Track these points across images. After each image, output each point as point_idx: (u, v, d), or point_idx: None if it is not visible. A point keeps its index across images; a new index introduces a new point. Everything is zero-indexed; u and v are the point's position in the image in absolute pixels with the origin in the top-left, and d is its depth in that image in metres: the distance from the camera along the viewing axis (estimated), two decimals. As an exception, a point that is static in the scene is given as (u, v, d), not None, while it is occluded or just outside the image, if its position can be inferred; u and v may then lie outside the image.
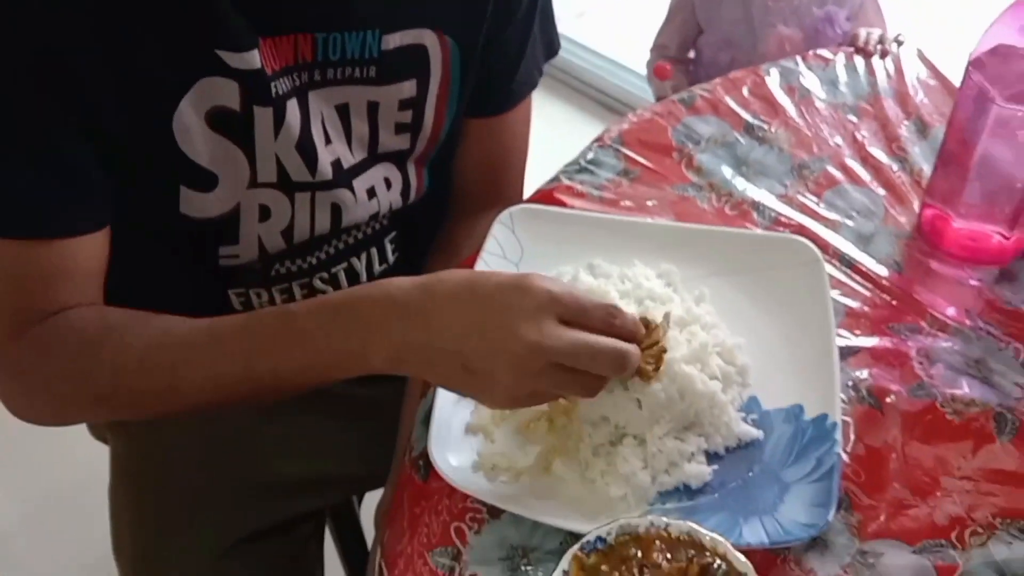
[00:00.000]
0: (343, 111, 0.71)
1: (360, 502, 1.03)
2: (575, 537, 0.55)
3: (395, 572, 0.58)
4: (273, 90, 0.66)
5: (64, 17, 0.58)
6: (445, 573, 0.57)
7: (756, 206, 0.80)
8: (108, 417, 0.80)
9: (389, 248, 0.82)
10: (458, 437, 0.63)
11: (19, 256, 0.63)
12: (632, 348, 0.57)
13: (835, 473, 0.58)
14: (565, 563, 0.53)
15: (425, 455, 0.63)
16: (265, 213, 0.72)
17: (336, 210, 0.75)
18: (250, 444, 0.81)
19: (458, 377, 0.58)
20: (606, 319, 0.57)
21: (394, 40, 0.69)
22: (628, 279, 0.68)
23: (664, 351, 0.60)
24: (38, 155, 0.62)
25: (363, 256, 0.80)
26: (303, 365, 0.61)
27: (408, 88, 0.72)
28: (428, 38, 0.71)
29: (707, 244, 0.74)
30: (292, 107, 0.67)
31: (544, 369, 0.56)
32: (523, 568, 0.57)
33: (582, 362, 0.56)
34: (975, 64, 0.67)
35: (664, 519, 0.55)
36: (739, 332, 0.67)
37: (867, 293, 0.73)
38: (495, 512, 0.60)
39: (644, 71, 1.51)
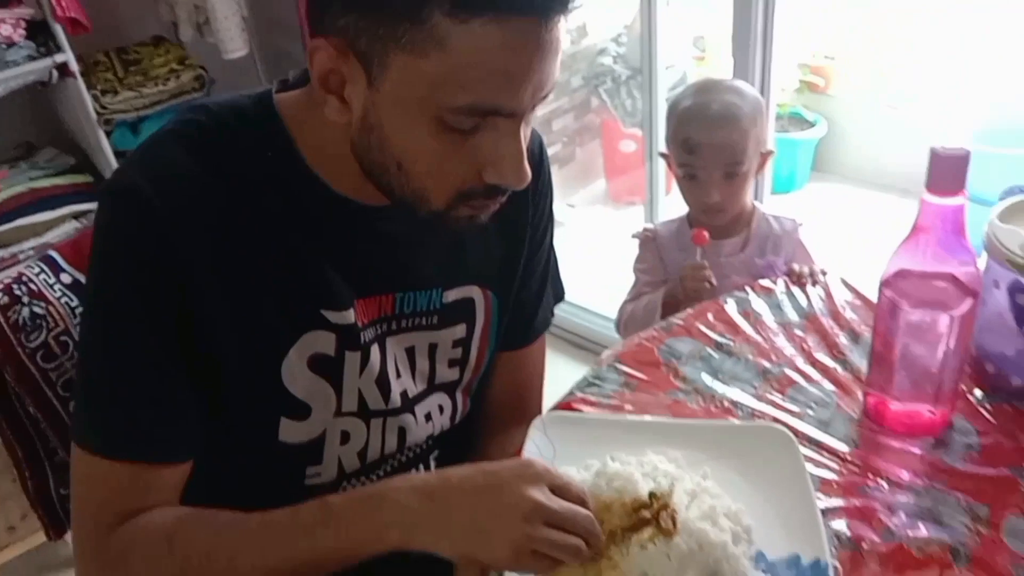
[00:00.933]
0: (411, 352, 0.89)
1: None
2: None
3: None
4: (362, 338, 0.84)
5: (199, 267, 0.74)
6: None
7: (735, 404, 0.99)
8: None
9: (433, 465, 0.97)
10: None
11: (127, 473, 0.76)
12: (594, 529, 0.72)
13: (835, 602, 0.73)
14: None
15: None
16: (346, 438, 0.87)
17: (402, 432, 0.91)
18: None
19: (467, 537, 0.69)
20: (580, 496, 0.73)
21: (451, 295, 0.89)
22: (645, 464, 0.85)
23: (675, 512, 0.77)
24: (157, 390, 0.76)
25: (412, 471, 0.95)
26: (335, 546, 0.72)
27: (460, 331, 0.92)
28: (475, 292, 0.92)
29: (703, 435, 0.91)
30: (375, 351, 0.85)
31: (542, 527, 0.69)
32: None
33: (569, 521, 0.70)
34: (885, 284, 0.89)
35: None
36: (738, 501, 0.83)
37: (834, 465, 0.90)
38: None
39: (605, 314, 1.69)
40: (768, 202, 2.44)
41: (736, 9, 1.82)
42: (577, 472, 0.86)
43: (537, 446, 0.91)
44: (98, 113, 2.05)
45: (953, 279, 0.87)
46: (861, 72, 3.22)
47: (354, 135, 0.74)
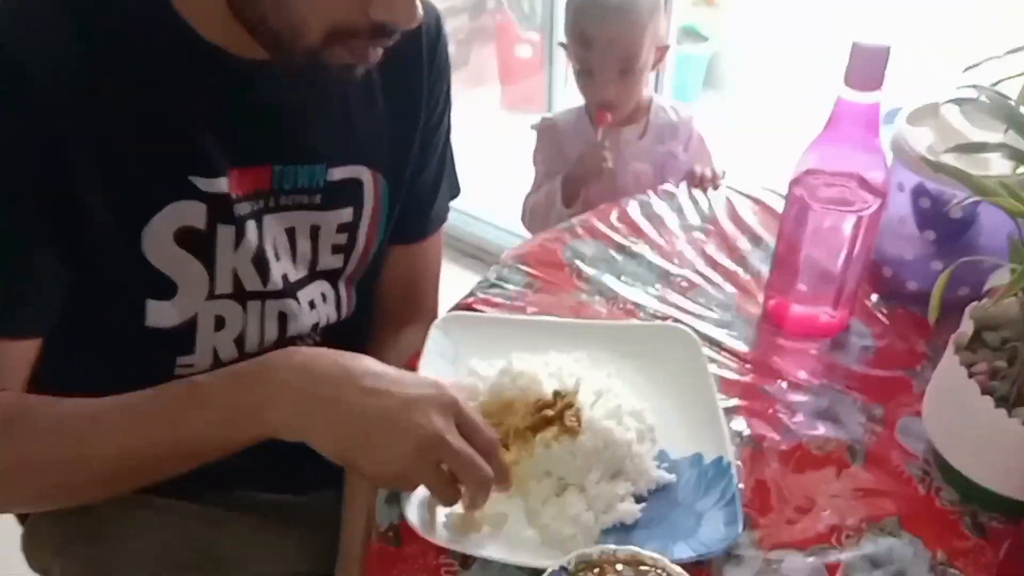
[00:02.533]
0: (291, 233, 0.82)
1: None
2: (538, 573, 0.65)
3: (384, 624, 0.66)
4: (235, 212, 0.76)
5: (64, 117, 0.66)
6: (430, 619, 0.65)
7: (638, 305, 0.96)
8: (19, 499, 0.76)
9: None
10: (425, 504, 0.72)
11: None
12: (489, 484, 0.67)
13: (736, 499, 0.72)
14: (537, 590, 0.64)
15: (394, 527, 0.72)
16: (220, 323, 0.80)
17: (283, 319, 0.84)
18: (200, 555, 0.86)
19: (355, 442, 0.64)
20: (488, 446, 0.67)
21: (337, 173, 0.82)
22: (551, 363, 0.82)
23: (580, 410, 0.74)
24: (12, 255, 0.68)
25: None
26: (203, 425, 0.66)
27: (345, 214, 0.85)
28: (364, 174, 0.85)
29: (607, 335, 0.89)
30: (251, 227, 0.78)
31: (433, 460, 0.65)
32: (496, 606, 0.66)
33: (462, 468, 0.65)
34: (794, 183, 0.88)
35: (612, 546, 0.67)
36: (642, 400, 0.82)
37: (734, 365, 0.89)
38: (466, 563, 0.69)
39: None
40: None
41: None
42: (482, 367, 0.83)
43: (438, 346, 0.87)
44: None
45: (861, 180, 0.86)
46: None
47: None
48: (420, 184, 0.93)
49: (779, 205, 0.92)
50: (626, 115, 1.47)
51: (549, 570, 0.65)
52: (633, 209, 1.12)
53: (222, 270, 0.77)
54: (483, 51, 3.22)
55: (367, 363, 0.68)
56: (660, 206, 1.13)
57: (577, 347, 0.86)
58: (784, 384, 0.87)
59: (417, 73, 0.87)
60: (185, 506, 0.87)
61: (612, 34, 1.38)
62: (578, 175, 1.45)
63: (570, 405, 0.75)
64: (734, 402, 0.85)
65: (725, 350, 0.91)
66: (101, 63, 0.68)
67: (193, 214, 0.74)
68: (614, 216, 1.11)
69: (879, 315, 0.96)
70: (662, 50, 1.45)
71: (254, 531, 0.90)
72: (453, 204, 1.01)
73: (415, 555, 0.70)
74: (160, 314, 0.76)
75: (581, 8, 1.41)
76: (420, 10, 0.67)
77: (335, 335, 0.92)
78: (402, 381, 0.67)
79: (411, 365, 0.84)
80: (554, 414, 0.75)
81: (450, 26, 3.02)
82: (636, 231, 1.08)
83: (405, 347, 0.92)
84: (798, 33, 3.17)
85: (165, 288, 0.75)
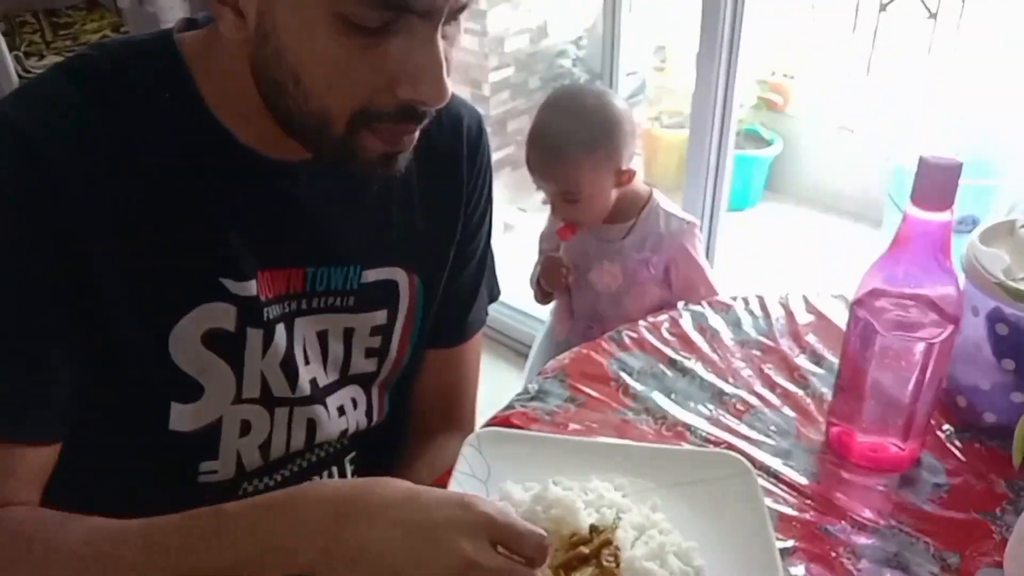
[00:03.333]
0: (323, 336, 0.79)
1: None
2: None
3: None
4: (265, 315, 0.73)
5: (88, 214, 0.64)
6: None
7: (688, 427, 0.90)
8: None
9: (348, 468, 0.87)
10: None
11: None
12: None
13: (794, 658, 0.64)
14: None
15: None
16: (246, 428, 0.76)
17: (311, 426, 0.80)
18: None
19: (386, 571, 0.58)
20: (537, 551, 0.61)
21: (372, 275, 0.79)
22: (590, 491, 0.76)
23: (619, 549, 0.68)
24: (29, 353, 0.65)
25: (324, 475, 0.84)
26: (232, 563, 0.61)
27: (380, 317, 0.82)
28: (399, 275, 0.82)
29: (653, 460, 0.82)
30: (280, 330, 0.75)
31: None
32: None
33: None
34: (857, 304, 0.82)
35: None
36: (690, 537, 0.75)
37: (793, 499, 0.82)
38: None
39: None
40: (723, 220, 2.39)
41: (704, 21, 1.77)
42: (516, 491, 0.77)
43: (470, 465, 0.81)
44: (19, 76, 1.90)
45: (931, 303, 0.80)
46: (819, 92, 3.20)
47: (251, 53, 0.64)
48: (458, 287, 0.90)
49: (844, 320, 0.86)
50: (617, 210, 1.46)
51: None
52: (686, 321, 1.07)
53: (250, 374, 0.75)
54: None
55: (391, 491, 0.62)
56: (714, 318, 1.07)
57: (620, 472, 0.80)
58: (848, 525, 0.79)
59: (456, 173, 0.85)
60: None
61: (546, 169, 1.40)
62: (542, 279, 1.51)
63: (608, 543, 0.69)
64: (791, 543, 0.77)
65: (783, 482, 0.84)
66: (126, 153, 0.66)
67: (222, 316, 0.72)
68: (665, 328, 1.06)
69: (953, 449, 0.88)
70: (623, 173, 1.41)
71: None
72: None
73: None
74: (184, 417, 0.73)
75: (529, 137, 1.42)
76: (449, 89, 0.64)
77: (365, 442, 0.88)
78: (428, 507, 0.62)
79: (441, 483, 0.79)
80: (590, 552, 0.69)
81: (512, 126, 3.07)
82: (688, 345, 1.03)
83: (439, 457, 0.87)
84: (860, 135, 3.13)
85: (191, 390, 0.72)
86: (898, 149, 2.84)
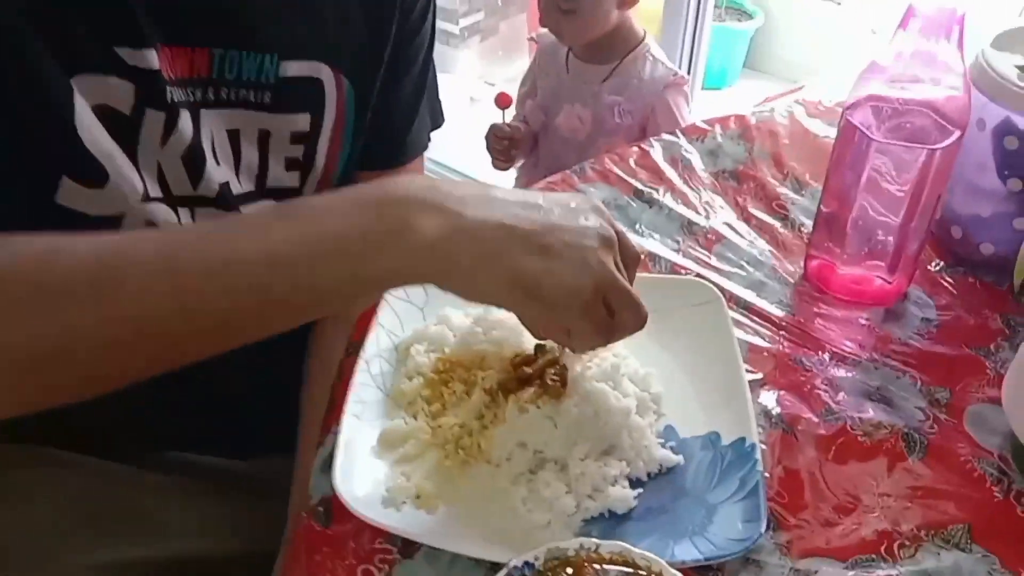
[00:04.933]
0: (234, 136, 0.67)
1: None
2: (497, 570, 0.50)
3: (293, 623, 0.51)
4: (169, 95, 0.62)
5: None
6: (352, 618, 0.51)
7: (653, 258, 0.80)
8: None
9: None
10: (364, 474, 0.57)
11: None
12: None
13: (760, 489, 0.56)
14: (491, 589, 0.49)
15: (325, 501, 0.57)
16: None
17: None
18: (118, 513, 0.71)
19: (517, 279, 0.50)
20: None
21: (291, 68, 0.67)
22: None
23: (565, 368, 0.59)
24: None
25: None
26: (330, 249, 0.49)
27: (302, 121, 0.70)
28: (325, 73, 0.70)
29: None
30: (185, 117, 0.63)
31: (597, 297, 0.52)
32: (441, 607, 0.51)
33: (625, 301, 0.54)
34: (850, 109, 0.71)
35: (594, 540, 0.52)
36: (648, 365, 0.66)
37: (767, 331, 0.73)
38: (408, 550, 0.54)
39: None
40: (698, 99, 2.26)
41: None
42: (456, 316, 0.68)
43: (404, 290, 0.72)
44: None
45: (935, 108, 0.69)
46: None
47: None
48: (395, 100, 0.78)
49: (833, 138, 0.75)
50: (603, 49, 1.37)
51: (510, 565, 0.50)
52: (656, 152, 0.95)
53: (146, 164, 0.63)
54: (514, 20, 3.06)
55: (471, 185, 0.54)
56: (688, 148, 0.96)
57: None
58: (826, 356, 0.71)
59: None
60: (99, 463, 0.73)
61: None
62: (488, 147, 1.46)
63: (554, 362, 0.60)
64: (761, 375, 0.69)
65: (755, 313, 0.75)
66: None
67: (116, 94, 0.59)
68: (633, 159, 0.94)
69: (944, 283, 0.79)
70: None
71: (185, 495, 0.76)
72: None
73: (345, 537, 0.55)
74: (79, 197, 0.60)
75: None
76: None
77: None
78: (561, 202, 0.54)
79: (370, 313, 0.69)
80: (533, 372, 0.60)
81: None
82: (658, 176, 0.92)
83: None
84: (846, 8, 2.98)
85: (92, 172, 0.60)
86: (885, 22, 2.70)
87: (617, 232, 0.55)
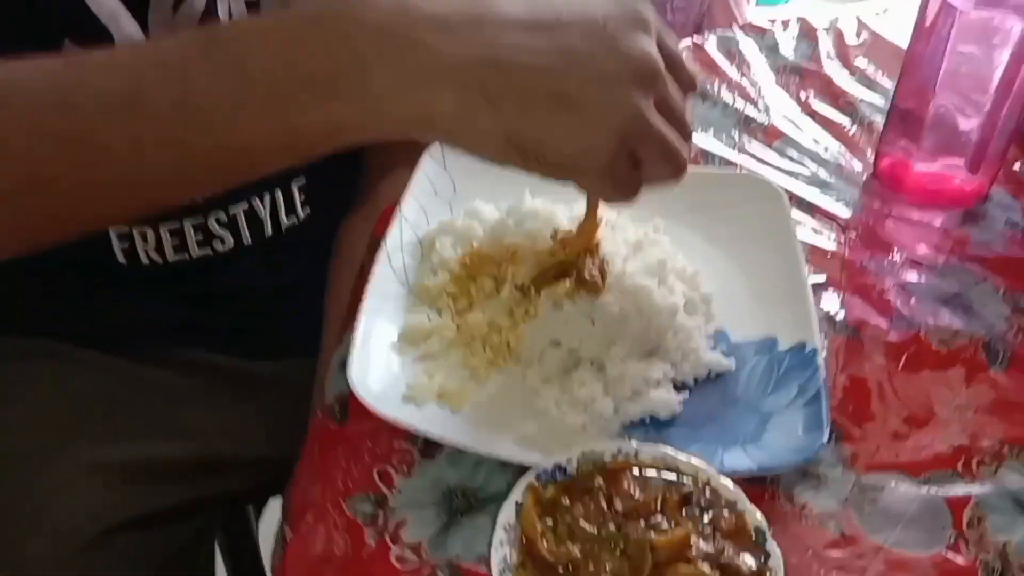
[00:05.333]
0: (254, 8, 0.62)
1: (259, 517, 0.89)
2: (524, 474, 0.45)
3: (302, 525, 0.47)
4: None
5: None
6: (365, 521, 0.46)
7: (706, 155, 0.73)
8: None
9: (297, 196, 0.71)
10: (383, 370, 0.53)
11: None
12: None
13: (823, 397, 0.50)
14: (518, 494, 0.43)
15: (341, 398, 0.53)
16: None
17: None
18: (127, 410, 0.68)
19: (511, 136, 0.40)
20: (684, 127, 0.44)
21: None
22: (575, 207, 0.60)
23: (606, 260, 0.53)
24: None
25: (267, 198, 0.69)
26: (259, 96, 0.39)
27: None
28: None
29: (657, 180, 0.66)
30: None
31: (621, 152, 0.41)
32: (461, 512, 0.47)
33: (656, 152, 0.42)
34: (936, -19, 0.63)
35: (633, 444, 0.46)
36: (699, 265, 0.60)
37: (832, 232, 0.66)
38: (429, 451, 0.49)
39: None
40: (752, 13, 2.14)
41: None
42: (486, 209, 0.62)
43: (431, 182, 0.66)
44: None
45: (1037, -24, 0.61)
46: None
47: None
48: None
49: (907, 39, 0.67)
50: None
51: (540, 468, 0.45)
52: (711, 45, 0.88)
53: (158, 32, 0.58)
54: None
55: None
56: (746, 42, 0.88)
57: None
58: (897, 259, 0.64)
59: None
60: (106, 359, 0.69)
61: None
62: None
63: (593, 252, 0.54)
64: (825, 277, 0.62)
65: (819, 212, 0.68)
66: None
67: None
68: (684, 54, 0.87)
69: (1032, 183, 0.71)
70: None
71: (200, 395, 0.72)
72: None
73: (361, 435, 0.51)
74: None
75: None
76: None
77: (312, 166, 0.71)
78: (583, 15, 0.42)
79: (390, 210, 0.64)
80: (569, 262, 0.54)
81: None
82: (712, 70, 0.84)
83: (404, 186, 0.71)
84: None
85: (97, 34, 0.55)
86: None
87: (667, 54, 0.43)
